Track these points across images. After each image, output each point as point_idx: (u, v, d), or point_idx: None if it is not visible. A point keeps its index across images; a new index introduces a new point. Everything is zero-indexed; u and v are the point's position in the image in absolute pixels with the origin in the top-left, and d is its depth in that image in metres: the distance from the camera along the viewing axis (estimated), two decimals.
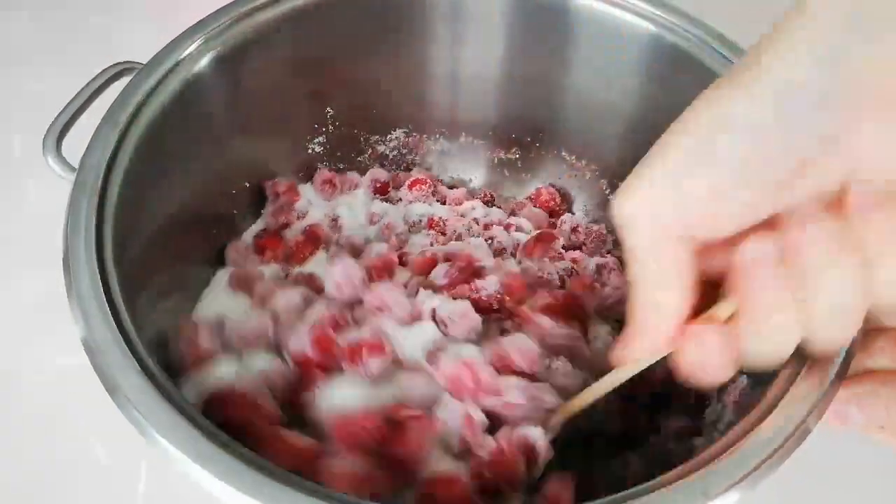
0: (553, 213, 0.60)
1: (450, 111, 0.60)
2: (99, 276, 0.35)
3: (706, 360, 0.29)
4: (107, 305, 0.34)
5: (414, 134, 0.61)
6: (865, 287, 0.25)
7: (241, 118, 0.51)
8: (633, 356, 0.32)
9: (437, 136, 0.62)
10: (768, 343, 0.28)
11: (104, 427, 0.51)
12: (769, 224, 0.27)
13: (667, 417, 0.46)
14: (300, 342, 0.43)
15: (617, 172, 0.58)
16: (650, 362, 0.33)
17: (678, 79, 0.49)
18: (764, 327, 0.28)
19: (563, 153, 0.60)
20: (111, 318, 0.34)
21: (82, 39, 0.74)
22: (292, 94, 0.54)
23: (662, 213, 0.27)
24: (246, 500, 0.28)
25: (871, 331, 0.32)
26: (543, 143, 0.60)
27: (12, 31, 0.77)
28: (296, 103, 0.55)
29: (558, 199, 0.60)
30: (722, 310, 0.29)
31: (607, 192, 0.59)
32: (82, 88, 0.45)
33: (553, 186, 0.61)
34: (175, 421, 0.31)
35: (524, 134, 0.60)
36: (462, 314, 0.44)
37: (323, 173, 0.58)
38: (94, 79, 0.45)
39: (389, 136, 0.61)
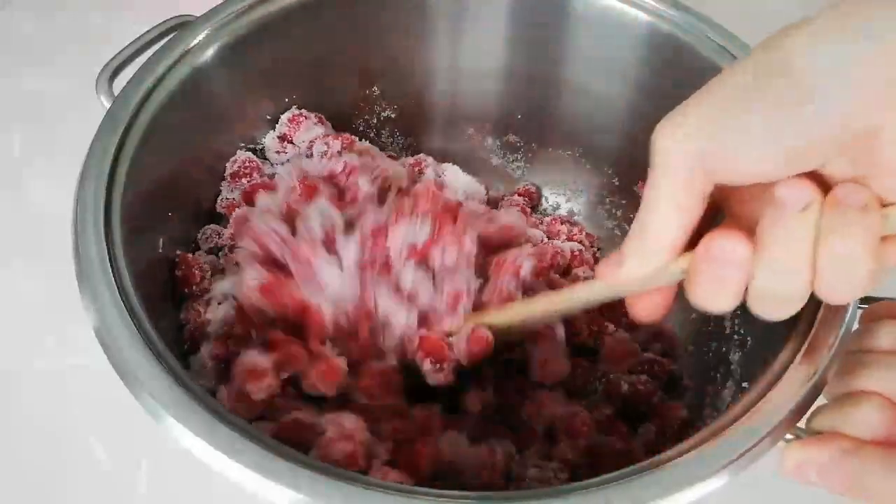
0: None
1: (449, 104, 0.60)
2: (108, 263, 0.35)
3: (722, 274, 0.29)
4: (118, 292, 0.34)
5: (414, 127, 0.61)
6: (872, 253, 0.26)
7: (244, 105, 0.52)
8: (628, 272, 0.31)
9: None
10: (779, 282, 0.28)
11: (104, 427, 0.51)
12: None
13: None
14: None
15: (616, 163, 0.58)
16: (633, 288, 0.33)
17: (675, 69, 0.49)
18: (781, 264, 0.27)
19: (562, 145, 0.60)
20: (122, 306, 0.34)
21: (82, 39, 0.74)
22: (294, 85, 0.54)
23: (698, 148, 0.27)
24: (264, 482, 0.28)
25: (858, 393, 0.31)
26: (542, 135, 0.60)
27: (13, 30, 0.76)
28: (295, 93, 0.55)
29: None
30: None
31: (615, 181, 0.59)
32: (140, 36, 0.46)
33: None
34: (189, 405, 0.30)
35: (522, 127, 0.60)
36: None
37: None
38: (150, 29, 0.47)
39: (386, 129, 0.61)
